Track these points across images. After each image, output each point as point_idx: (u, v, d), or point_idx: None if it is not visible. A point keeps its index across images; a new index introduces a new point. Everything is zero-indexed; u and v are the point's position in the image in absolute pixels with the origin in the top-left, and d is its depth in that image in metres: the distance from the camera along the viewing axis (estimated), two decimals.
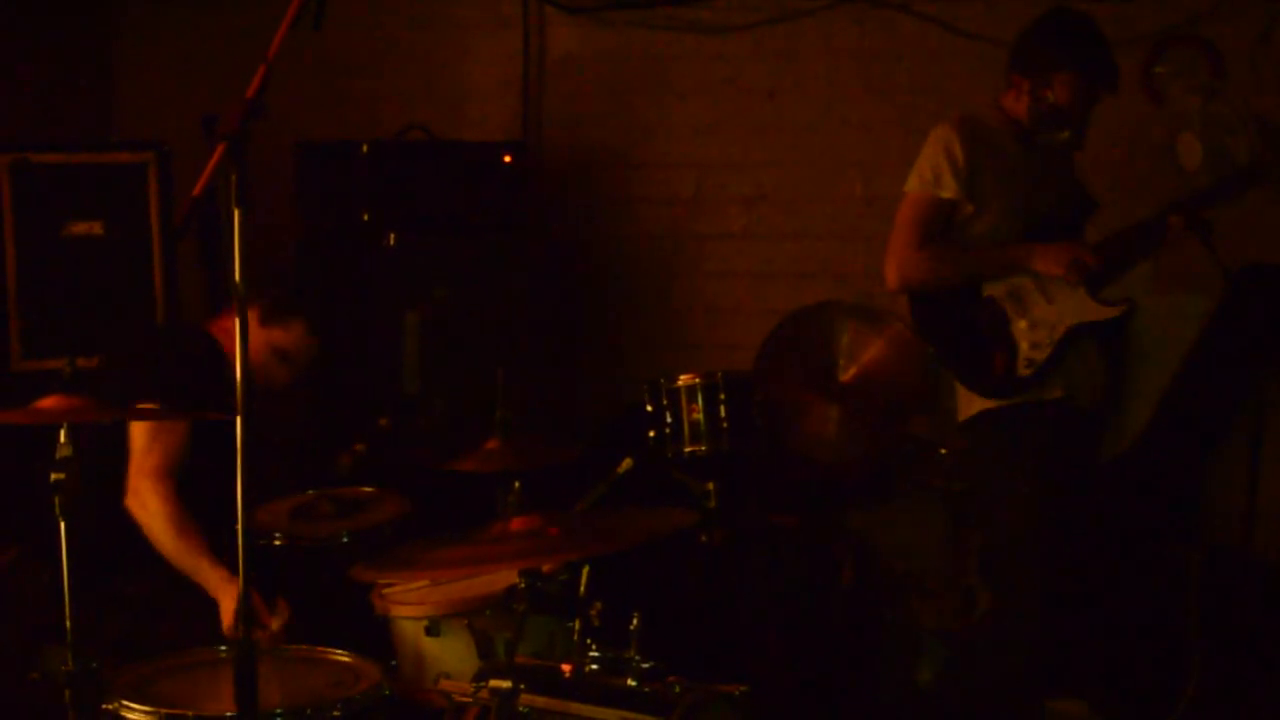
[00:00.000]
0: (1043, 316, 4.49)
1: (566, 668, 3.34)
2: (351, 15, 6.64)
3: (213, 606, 3.89)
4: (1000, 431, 4.57)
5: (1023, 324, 4.49)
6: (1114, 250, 4.54)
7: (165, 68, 6.87)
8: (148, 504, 3.97)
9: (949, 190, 4.45)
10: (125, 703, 3.13)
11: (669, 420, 5.15)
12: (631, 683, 3.24)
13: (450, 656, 3.73)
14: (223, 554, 4.00)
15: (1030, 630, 4.56)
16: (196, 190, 2.80)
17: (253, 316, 4.17)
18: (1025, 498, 4.51)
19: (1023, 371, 4.48)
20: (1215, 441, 5.62)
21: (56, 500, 3.10)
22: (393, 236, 5.85)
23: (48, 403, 3.70)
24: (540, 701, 3.22)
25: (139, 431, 4.02)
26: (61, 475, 3.11)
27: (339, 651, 3.54)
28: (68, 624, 3.11)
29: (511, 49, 6.68)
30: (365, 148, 5.93)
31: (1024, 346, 4.47)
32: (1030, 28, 4.54)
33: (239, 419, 2.61)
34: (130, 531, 3.99)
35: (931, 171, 4.46)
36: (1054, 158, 4.64)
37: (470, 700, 3.29)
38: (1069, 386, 4.52)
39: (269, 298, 4.33)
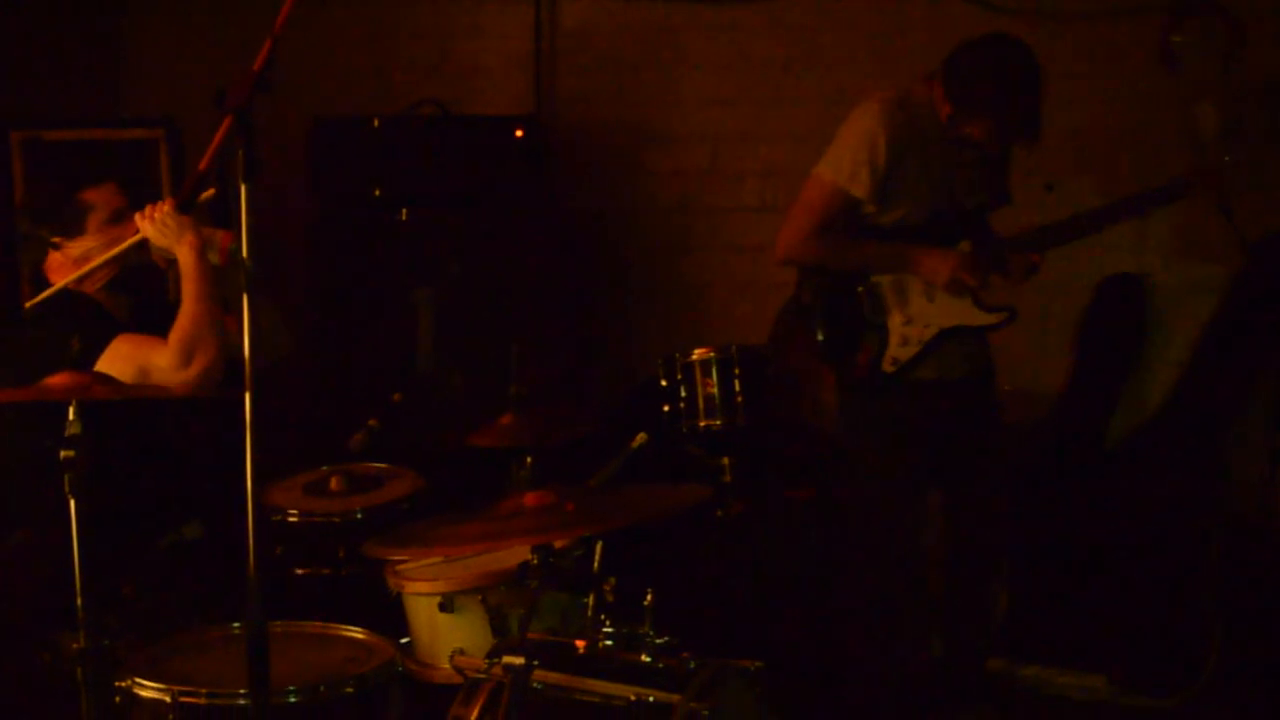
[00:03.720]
0: (919, 313, 4.47)
1: (580, 644, 3.32)
2: None
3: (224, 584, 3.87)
4: (869, 402, 4.55)
5: (898, 318, 4.47)
6: (1005, 252, 4.48)
7: (176, 43, 6.86)
8: (199, 367, 3.90)
9: (860, 190, 4.38)
10: (138, 680, 3.13)
11: (683, 395, 5.13)
12: (646, 659, 3.23)
13: (464, 633, 3.71)
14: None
15: (904, 593, 4.58)
16: (202, 165, 2.78)
17: (61, 256, 4.06)
18: (886, 468, 4.51)
19: (886, 368, 4.46)
20: (1235, 413, 5.59)
21: (66, 478, 3.08)
22: (405, 212, 5.84)
23: (56, 380, 3.68)
24: (554, 677, 3.20)
25: (128, 370, 3.85)
26: (71, 453, 3.09)
27: (352, 628, 3.53)
28: (79, 602, 3.10)
29: (524, 23, 6.65)
30: (377, 122, 5.92)
31: (893, 341, 4.46)
32: (967, 53, 4.34)
33: (247, 397, 2.58)
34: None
35: (850, 165, 4.38)
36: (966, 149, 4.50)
37: (484, 676, 3.27)
38: (941, 369, 4.49)
39: (38, 223, 4.09)
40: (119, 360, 3.83)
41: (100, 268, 4.05)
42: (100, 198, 4.06)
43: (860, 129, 4.39)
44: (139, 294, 4.20)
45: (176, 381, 3.85)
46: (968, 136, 4.36)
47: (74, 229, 4.02)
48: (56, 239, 4.02)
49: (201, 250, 3.93)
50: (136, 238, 3.98)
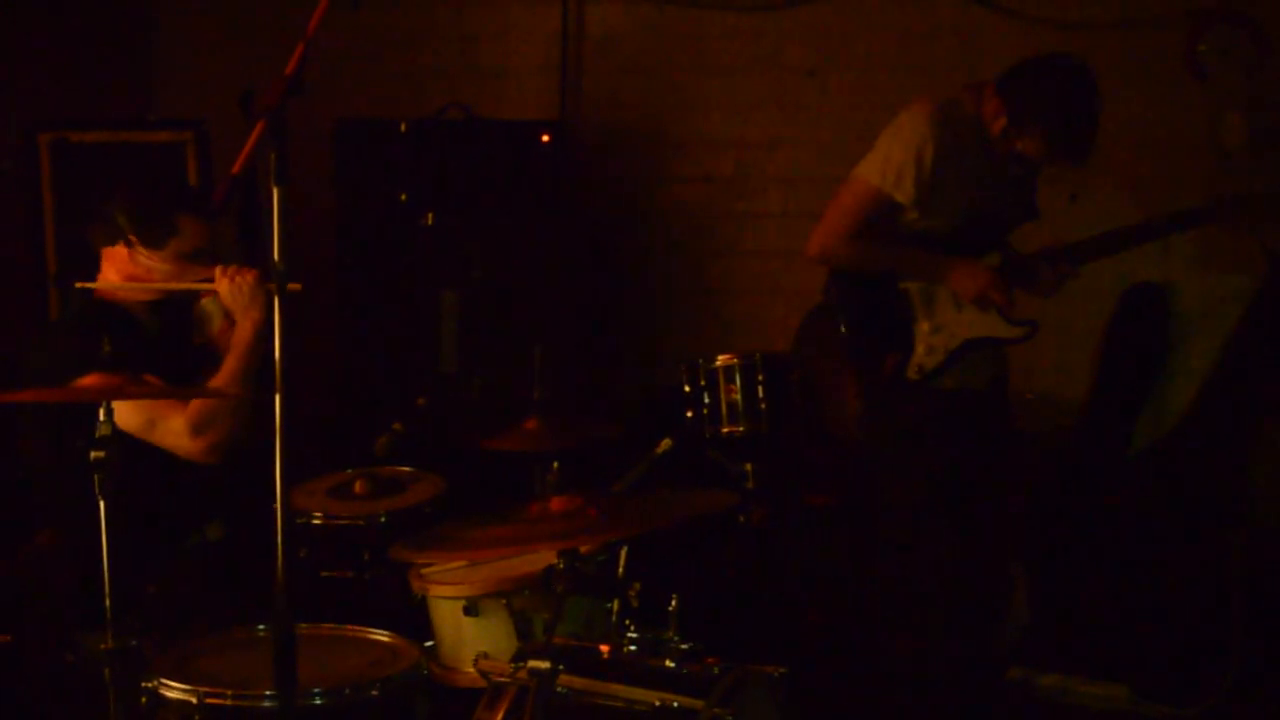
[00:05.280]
0: (946, 322, 4.44)
1: (605, 648, 3.33)
2: None
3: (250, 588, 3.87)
4: (891, 408, 4.54)
5: (925, 325, 4.45)
6: (1035, 267, 4.49)
7: (205, 46, 6.89)
8: (207, 442, 3.90)
9: (905, 196, 4.33)
10: (164, 681, 3.14)
11: (707, 401, 5.14)
12: (670, 664, 3.23)
13: (488, 636, 3.72)
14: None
15: (942, 598, 4.53)
16: (235, 169, 2.79)
17: (127, 254, 4.05)
18: (919, 470, 4.48)
19: (910, 375, 4.44)
20: (1258, 423, 5.58)
21: (96, 479, 3.09)
22: (431, 215, 5.85)
23: (87, 381, 3.70)
24: (579, 682, 3.20)
25: (136, 415, 3.83)
26: (102, 454, 3.10)
27: (377, 631, 3.54)
28: (107, 603, 3.11)
29: (551, 27, 6.67)
30: (404, 126, 5.93)
31: (919, 350, 4.44)
32: (1033, 70, 4.33)
33: (277, 399, 2.60)
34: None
35: (896, 171, 4.32)
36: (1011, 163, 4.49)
37: (509, 680, 3.28)
38: (961, 381, 4.47)
39: (128, 215, 4.03)
40: (132, 403, 3.82)
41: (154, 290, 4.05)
42: (191, 229, 4.03)
43: (908, 135, 4.33)
44: (168, 321, 4.17)
45: (179, 446, 3.85)
46: (1019, 151, 4.34)
47: (154, 242, 4.02)
48: (134, 238, 4.02)
49: (262, 329, 3.92)
50: (209, 287, 3.97)
